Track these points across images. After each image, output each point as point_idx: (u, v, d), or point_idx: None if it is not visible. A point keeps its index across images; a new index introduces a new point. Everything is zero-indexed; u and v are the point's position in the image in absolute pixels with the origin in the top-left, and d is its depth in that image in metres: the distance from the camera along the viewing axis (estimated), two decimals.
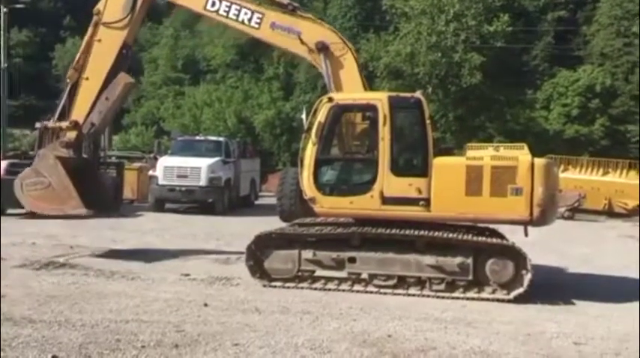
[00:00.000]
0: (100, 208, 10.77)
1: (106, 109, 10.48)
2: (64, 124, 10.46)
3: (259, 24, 9.87)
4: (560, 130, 32.77)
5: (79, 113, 10.45)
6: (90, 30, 10.53)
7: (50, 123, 10.70)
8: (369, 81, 10.17)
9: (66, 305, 6.99)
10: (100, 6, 10.47)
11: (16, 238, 12.07)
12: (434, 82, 32.21)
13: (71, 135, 10.41)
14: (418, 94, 8.90)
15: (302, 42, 9.60)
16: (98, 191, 10.89)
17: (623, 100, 33.19)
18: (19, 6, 31.81)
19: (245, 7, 9.93)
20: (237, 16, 9.96)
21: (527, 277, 7.85)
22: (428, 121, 8.58)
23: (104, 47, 10.40)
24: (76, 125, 10.39)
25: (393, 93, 9.25)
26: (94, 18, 10.46)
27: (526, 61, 35.92)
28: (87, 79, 10.46)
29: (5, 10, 30.65)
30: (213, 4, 10.07)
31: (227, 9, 9.99)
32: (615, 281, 10.09)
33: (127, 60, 10.96)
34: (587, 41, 35.61)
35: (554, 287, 8.95)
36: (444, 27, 31.15)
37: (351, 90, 9.37)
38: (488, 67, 31.93)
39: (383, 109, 8.46)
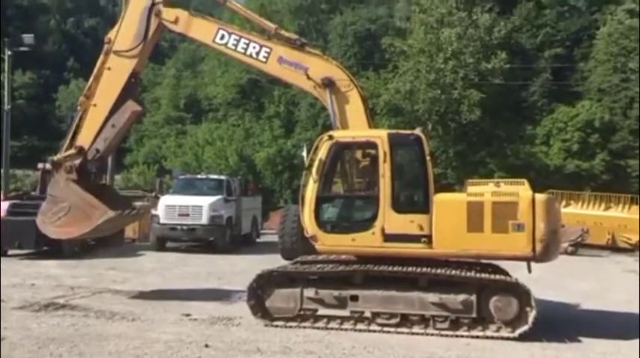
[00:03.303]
0: (123, 207, 10.99)
1: (112, 136, 10.53)
2: (70, 152, 10.49)
3: (267, 58, 9.98)
4: (560, 165, 32.81)
5: (84, 139, 10.50)
6: (101, 58, 10.64)
7: (56, 157, 10.64)
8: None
9: (65, 348, 6.91)
10: (111, 34, 10.63)
11: (16, 279, 12.01)
12: (434, 119, 32.42)
13: (76, 160, 10.41)
14: (418, 131, 8.96)
15: (308, 77, 9.70)
16: (116, 195, 11.26)
17: (622, 135, 33.32)
18: (23, 49, 32.28)
19: (253, 41, 10.07)
20: (246, 49, 10.07)
21: (532, 314, 7.77)
22: (428, 158, 8.61)
23: (113, 75, 10.50)
24: (80, 151, 10.43)
25: (393, 131, 9.34)
26: (105, 46, 10.59)
27: (525, 97, 36.21)
28: (95, 105, 10.53)
29: (9, 52, 31.10)
30: (223, 37, 10.20)
31: (236, 42, 10.12)
32: (621, 317, 9.98)
33: (136, 88, 11.09)
34: (585, 77, 35.95)
35: (559, 324, 8.84)
36: (442, 64, 31.51)
37: (356, 126, 9.43)
38: (487, 103, 32.16)
39: (383, 146, 8.51)
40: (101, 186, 11.31)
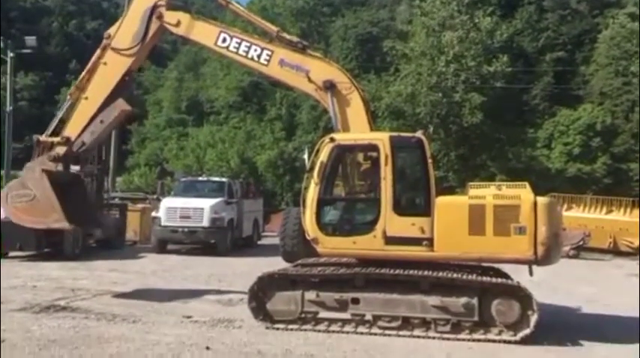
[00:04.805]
0: (83, 224, 10.93)
1: (99, 131, 10.49)
2: (56, 139, 10.49)
3: (268, 61, 9.96)
4: (562, 169, 32.82)
5: (72, 130, 10.47)
6: (98, 52, 10.63)
7: (42, 137, 10.69)
8: None
9: (66, 350, 6.90)
10: (111, 30, 10.62)
11: (17, 281, 12.01)
12: (435, 122, 32.46)
13: (60, 150, 10.38)
14: (419, 134, 8.94)
15: (310, 80, 9.67)
16: (83, 207, 11.01)
17: (624, 138, 33.35)
18: (25, 51, 32.38)
19: (255, 44, 10.06)
20: (247, 52, 10.06)
21: (534, 317, 7.74)
22: (430, 161, 8.59)
23: (108, 71, 10.47)
24: (67, 141, 10.39)
25: (395, 133, 9.29)
26: (104, 41, 10.58)
27: (526, 101, 36.24)
28: (86, 98, 10.50)
29: (12, 54, 31.19)
30: (224, 40, 10.20)
31: (237, 45, 10.11)
32: (623, 320, 9.94)
33: (129, 87, 11.07)
34: (587, 81, 35.99)
35: (561, 328, 8.81)
36: (444, 68, 31.56)
37: (357, 128, 9.41)
38: (488, 106, 32.20)
39: (384, 149, 8.49)
40: (76, 183, 11.25)
